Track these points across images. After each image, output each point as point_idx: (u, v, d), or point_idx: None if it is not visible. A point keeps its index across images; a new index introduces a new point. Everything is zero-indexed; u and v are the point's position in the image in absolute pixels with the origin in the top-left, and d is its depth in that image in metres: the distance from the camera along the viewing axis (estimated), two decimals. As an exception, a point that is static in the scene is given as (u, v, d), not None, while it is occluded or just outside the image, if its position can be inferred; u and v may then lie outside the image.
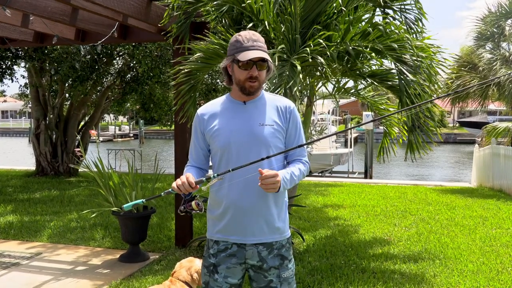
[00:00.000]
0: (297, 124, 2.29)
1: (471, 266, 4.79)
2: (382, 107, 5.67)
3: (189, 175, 2.09)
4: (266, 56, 2.15)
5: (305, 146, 2.33)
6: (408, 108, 4.18)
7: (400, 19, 4.91)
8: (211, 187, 2.17)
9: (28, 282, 4.45)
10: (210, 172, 2.27)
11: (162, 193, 2.17)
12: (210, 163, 2.40)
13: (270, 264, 2.21)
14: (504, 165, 9.79)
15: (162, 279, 4.42)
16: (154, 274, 4.61)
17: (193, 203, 2.13)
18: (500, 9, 12.98)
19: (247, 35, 2.19)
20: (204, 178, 2.12)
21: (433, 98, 4.44)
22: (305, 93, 5.54)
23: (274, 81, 4.14)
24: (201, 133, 2.29)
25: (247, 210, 2.18)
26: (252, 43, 2.15)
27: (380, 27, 4.31)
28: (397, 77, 4.50)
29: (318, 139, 2.67)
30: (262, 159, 2.09)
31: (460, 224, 6.66)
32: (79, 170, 12.01)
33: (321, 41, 4.14)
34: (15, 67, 11.00)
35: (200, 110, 2.32)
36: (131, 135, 48.02)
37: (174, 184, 2.09)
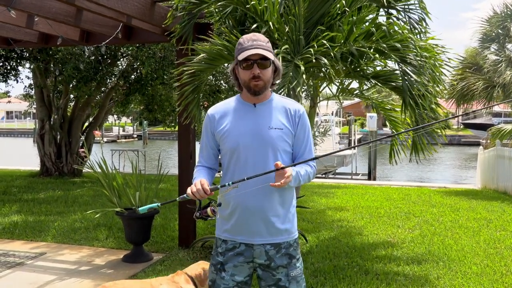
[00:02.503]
0: (306, 128, 2.30)
1: (475, 268, 4.77)
2: (387, 108, 5.65)
3: (204, 182, 2.11)
4: (264, 53, 2.16)
5: (313, 148, 2.34)
6: (428, 125, 4.18)
7: (404, 19, 4.90)
8: (221, 185, 2.19)
9: (33, 281, 4.46)
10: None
11: (178, 198, 2.22)
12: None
13: (278, 263, 2.24)
14: (509, 167, 9.74)
15: (165, 280, 4.43)
16: (157, 274, 4.61)
17: (208, 209, 2.16)
18: (505, 10, 12.93)
19: (247, 36, 2.23)
20: (219, 186, 2.15)
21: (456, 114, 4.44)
22: (308, 94, 5.54)
23: (277, 81, 4.14)
24: (211, 133, 2.32)
25: (254, 211, 2.20)
26: (252, 42, 2.19)
27: (384, 28, 4.30)
28: (400, 77, 4.49)
29: (337, 152, 2.66)
30: (277, 169, 2.10)
31: (464, 226, 6.63)
32: (83, 170, 12.04)
33: (325, 42, 4.14)
34: (19, 68, 11.05)
35: (210, 110, 2.35)
36: (135, 136, 48.16)
37: (189, 191, 2.11)
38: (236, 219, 2.22)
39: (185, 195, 2.13)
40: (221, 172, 2.35)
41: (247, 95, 2.27)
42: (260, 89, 2.21)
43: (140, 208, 2.21)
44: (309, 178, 2.29)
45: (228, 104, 2.35)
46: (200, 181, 2.12)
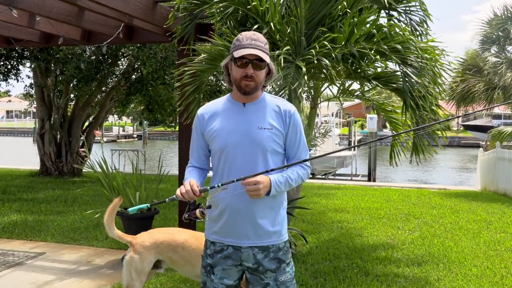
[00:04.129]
0: (297, 129, 2.24)
1: (475, 270, 4.77)
2: (388, 109, 5.66)
3: (193, 183, 2.09)
4: (261, 54, 2.12)
5: (307, 150, 2.31)
6: (431, 124, 4.19)
7: (405, 21, 4.91)
8: (210, 186, 2.18)
9: (32, 281, 4.46)
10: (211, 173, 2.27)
11: (167, 199, 2.19)
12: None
13: (266, 267, 2.20)
14: (509, 169, 9.74)
15: (166, 280, 4.43)
16: (157, 274, 4.60)
17: (197, 211, 2.13)
18: (506, 12, 12.95)
19: (247, 34, 2.18)
20: (208, 187, 2.13)
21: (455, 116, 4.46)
22: (309, 95, 5.54)
23: (278, 82, 4.14)
24: (201, 133, 2.29)
25: (242, 213, 2.17)
26: (250, 41, 2.14)
27: (385, 29, 4.30)
28: (401, 79, 4.49)
29: (332, 152, 2.60)
30: (267, 171, 2.09)
31: (464, 228, 6.63)
32: (83, 170, 12.04)
33: (326, 43, 4.14)
34: (20, 67, 11.06)
35: (200, 110, 2.31)
36: (135, 136, 48.16)
37: (178, 192, 2.09)
38: (225, 221, 2.20)
39: (174, 196, 2.12)
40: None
41: (237, 94, 2.23)
42: (251, 90, 2.16)
43: (129, 209, 2.20)
44: (302, 179, 2.25)
45: (218, 103, 2.31)
46: (189, 182, 2.09)
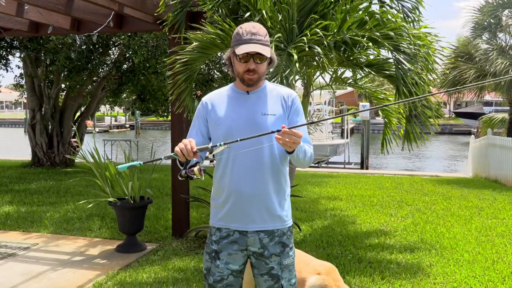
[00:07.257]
0: (299, 112, 2.31)
1: (467, 256, 4.82)
2: (381, 97, 5.66)
3: (192, 140, 2.07)
4: (262, 50, 2.16)
5: (309, 138, 2.34)
6: (408, 100, 4.18)
7: (397, 8, 4.89)
8: (215, 173, 2.16)
9: (25, 272, 4.45)
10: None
11: (163, 157, 2.17)
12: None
13: (271, 251, 2.25)
14: (500, 155, 9.83)
15: (160, 269, 4.44)
16: (151, 264, 4.62)
17: (195, 168, 2.07)
18: (497, -1, 12.97)
19: (247, 27, 2.21)
20: (209, 145, 2.09)
21: (438, 92, 4.43)
22: (302, 83, 5.53)
23: (270, 70, 4.12)
24: (204, 120, 2.32)
25: (248, 197, 2.21)
26: (251, 36, 2.17)
27: (377, 16, 4.28)
28: (394, 66, 4.49)
29: (322, 120, 2.60)
30: (272, 132, 2.04)
31: (456, 214, 6.69)
32: (75, 160, 11.98)
33: (318, 30, 4.12)
34: (10, 57, 10.91)
35: (205, 98, 2.36)
36: (127, 126, 47.93)
37: (177, 148, 2.05)
38: (230, 206, 2.23)
39: (172, 153, 2.08)
40: (214, 162, 2.33)
41: (240, 83, 2.28)
42: (253, 82, 2.23)
43: (119, 166, 2.12)
44: (310, 159, 2.26)
45: (222, 92, 2.36)
46: (188, 139, 2.07)
